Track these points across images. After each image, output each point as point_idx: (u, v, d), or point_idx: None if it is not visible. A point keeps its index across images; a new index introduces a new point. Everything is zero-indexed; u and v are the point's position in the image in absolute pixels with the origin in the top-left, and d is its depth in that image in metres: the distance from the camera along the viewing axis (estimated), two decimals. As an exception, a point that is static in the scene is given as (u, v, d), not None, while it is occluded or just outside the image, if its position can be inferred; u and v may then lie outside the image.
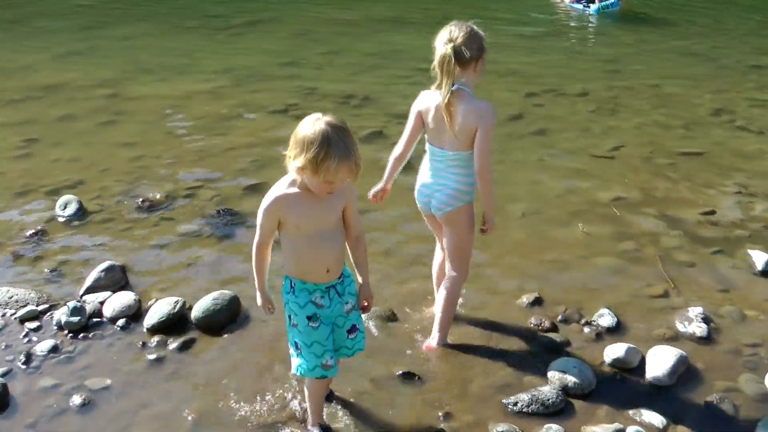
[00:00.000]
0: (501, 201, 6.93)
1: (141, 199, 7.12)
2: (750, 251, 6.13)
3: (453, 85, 4.31)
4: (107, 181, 7.60)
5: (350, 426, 4.29)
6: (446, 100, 4.33)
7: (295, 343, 3.95)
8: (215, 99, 10.44)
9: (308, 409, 4.25)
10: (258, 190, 7.27)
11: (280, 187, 3.71)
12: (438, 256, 5.16)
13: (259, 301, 4.01)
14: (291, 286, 3.90)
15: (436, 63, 4.36)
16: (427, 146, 4.65)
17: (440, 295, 4.94)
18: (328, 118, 3.53)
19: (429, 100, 4.50)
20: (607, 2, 16.91)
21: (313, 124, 3.50)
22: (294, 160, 3.54)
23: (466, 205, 4.64)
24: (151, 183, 7.56)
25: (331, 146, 3.44)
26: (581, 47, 14.58)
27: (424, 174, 4.71)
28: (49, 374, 4.74)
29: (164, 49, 13.54)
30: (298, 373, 3.99)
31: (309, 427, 4.23)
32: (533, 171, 7.92)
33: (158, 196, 7.20)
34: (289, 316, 3.94)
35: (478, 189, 4.55)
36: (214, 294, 5.30)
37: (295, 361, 3.98)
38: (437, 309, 4.98)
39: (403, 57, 12.52)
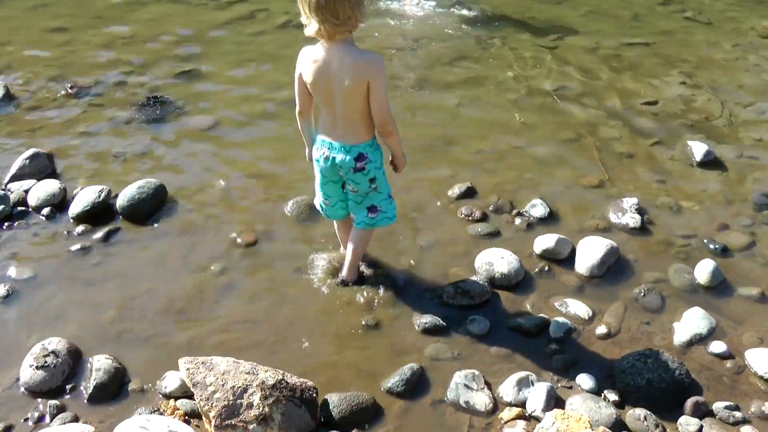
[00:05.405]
0: (434, 100, 6.85)
1: (70, 85, 6.86)
2: (690, 142, 6.07)
3: None
4: (35, 67, 7.30)
5: (276, 318, 4.27)
6: None
7: (388, 195, 4.27)
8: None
9: (358, 257, 4.47)
10: (191, 76, 7.05)
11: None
12: None
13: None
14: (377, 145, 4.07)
15: None
16: None
17: None
18: None
19: None
20: None
21: None
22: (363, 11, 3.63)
23: None
24: (80, 69, 7.28)
25: None
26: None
27: None
28: (-29, 265, 4.64)
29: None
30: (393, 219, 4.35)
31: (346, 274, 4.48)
32: (472, 61, 7.70)
33: (87, 82, 6.95)
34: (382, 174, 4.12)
35: None
36: (140, 182, 5.16)
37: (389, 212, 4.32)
38: None
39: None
